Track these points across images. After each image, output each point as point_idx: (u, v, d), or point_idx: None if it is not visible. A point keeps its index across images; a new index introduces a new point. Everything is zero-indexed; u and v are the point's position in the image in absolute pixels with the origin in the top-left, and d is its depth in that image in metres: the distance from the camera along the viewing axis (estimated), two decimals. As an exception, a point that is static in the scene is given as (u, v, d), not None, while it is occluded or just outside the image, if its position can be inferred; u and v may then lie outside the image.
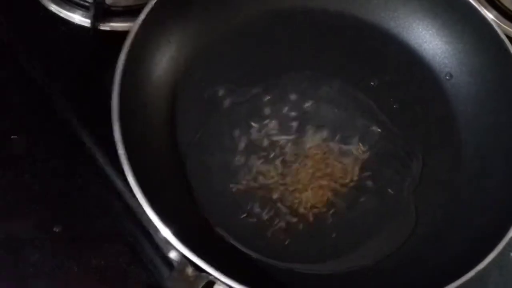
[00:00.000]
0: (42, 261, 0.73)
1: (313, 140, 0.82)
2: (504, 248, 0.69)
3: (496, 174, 0.81)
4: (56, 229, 0.75)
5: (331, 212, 0.78)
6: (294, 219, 0.77)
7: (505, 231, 0.71)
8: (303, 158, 0.81)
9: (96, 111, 0.75)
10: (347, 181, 0.80)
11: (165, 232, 0.64)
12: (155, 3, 0.78)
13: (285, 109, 0.84)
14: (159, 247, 0.74)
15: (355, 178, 0.81)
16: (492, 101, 0.85)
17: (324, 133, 0.83)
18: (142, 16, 0.77)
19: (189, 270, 0.63)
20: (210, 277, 0.63)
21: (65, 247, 0.74)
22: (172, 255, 0.69)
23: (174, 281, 0.64)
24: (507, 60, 0.83)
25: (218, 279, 0.62)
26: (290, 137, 0.82)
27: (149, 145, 0.76)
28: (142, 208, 0.65)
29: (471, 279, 0.67)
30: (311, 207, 0.78)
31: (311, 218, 0.77)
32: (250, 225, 0.75)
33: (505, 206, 0.76)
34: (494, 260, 0.68)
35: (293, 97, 0.86)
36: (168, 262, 0.73)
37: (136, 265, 0.74)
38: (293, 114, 0.84)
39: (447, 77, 0.90)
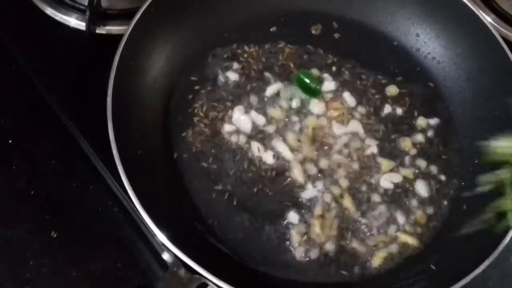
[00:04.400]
0: (40, 265, 0.73)
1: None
2: (504, 253, 0.69)
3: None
4: (54, 234, 0.75)
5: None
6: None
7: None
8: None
9: (92, 114, 0.75)
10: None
11: (159, 234, 0.64)
12: (149, 5, 0.79)
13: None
14: (156, 251, 0.74)
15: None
16: (489, 105, 0.83)
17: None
18: (135, 19, 0.78)
19: (182, 272, 0.63)
20: (203, 279, 0.63)
21: (63, 251, 0.74)
22: (165, 256, 0.69)
23: (167, 282, 0.63)
24: (505, 64, 0.82)
25: (211, 281, 0.62)
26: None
27: (144, 145, 0.76)
28: (138, 212, 0.65)
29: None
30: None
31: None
32: (243, 230, 0.75)
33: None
34: (494, 264, 0.68)
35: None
36: (165, 265, 0.72)
37: (134, 270, 0.74)
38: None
39: (445, 83, 0.89)
